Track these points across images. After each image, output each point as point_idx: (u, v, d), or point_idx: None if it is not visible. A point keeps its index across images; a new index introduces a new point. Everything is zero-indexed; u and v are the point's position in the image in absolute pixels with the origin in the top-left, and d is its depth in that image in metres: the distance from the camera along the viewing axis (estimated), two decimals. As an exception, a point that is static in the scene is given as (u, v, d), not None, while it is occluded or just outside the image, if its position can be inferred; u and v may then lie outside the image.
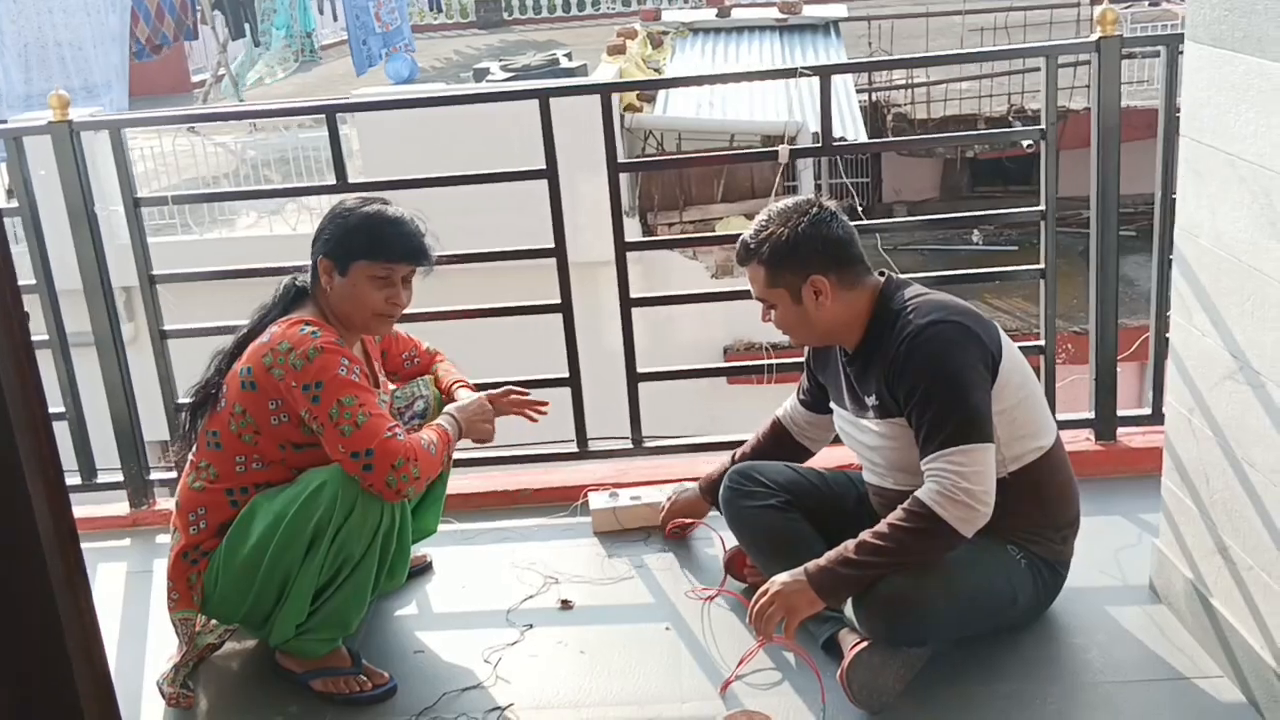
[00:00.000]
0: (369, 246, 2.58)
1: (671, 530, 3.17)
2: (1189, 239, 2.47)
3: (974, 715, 2.39)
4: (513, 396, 2.96)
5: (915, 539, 2.38)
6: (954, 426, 2.38)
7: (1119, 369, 3.45)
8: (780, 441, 2.97)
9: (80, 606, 1.09)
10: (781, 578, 2.44)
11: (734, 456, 3.01)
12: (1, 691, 1.07)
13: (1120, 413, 3.42)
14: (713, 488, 2.98)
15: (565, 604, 2.92)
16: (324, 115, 3.49)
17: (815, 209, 2.55)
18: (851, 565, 2.40)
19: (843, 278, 2.54)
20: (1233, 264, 2.28)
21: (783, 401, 3.03)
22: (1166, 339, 2.81)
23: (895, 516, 2.41)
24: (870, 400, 2.57)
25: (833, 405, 2.78)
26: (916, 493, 2.40)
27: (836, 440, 3.07)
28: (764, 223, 2.57)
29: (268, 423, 2.52)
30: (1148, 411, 3.42)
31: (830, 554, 2.44)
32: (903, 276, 2.66)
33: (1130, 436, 3.41)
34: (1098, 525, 2.65)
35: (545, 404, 2.99)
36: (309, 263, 2.67)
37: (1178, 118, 2.51)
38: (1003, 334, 2.54)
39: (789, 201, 2.60)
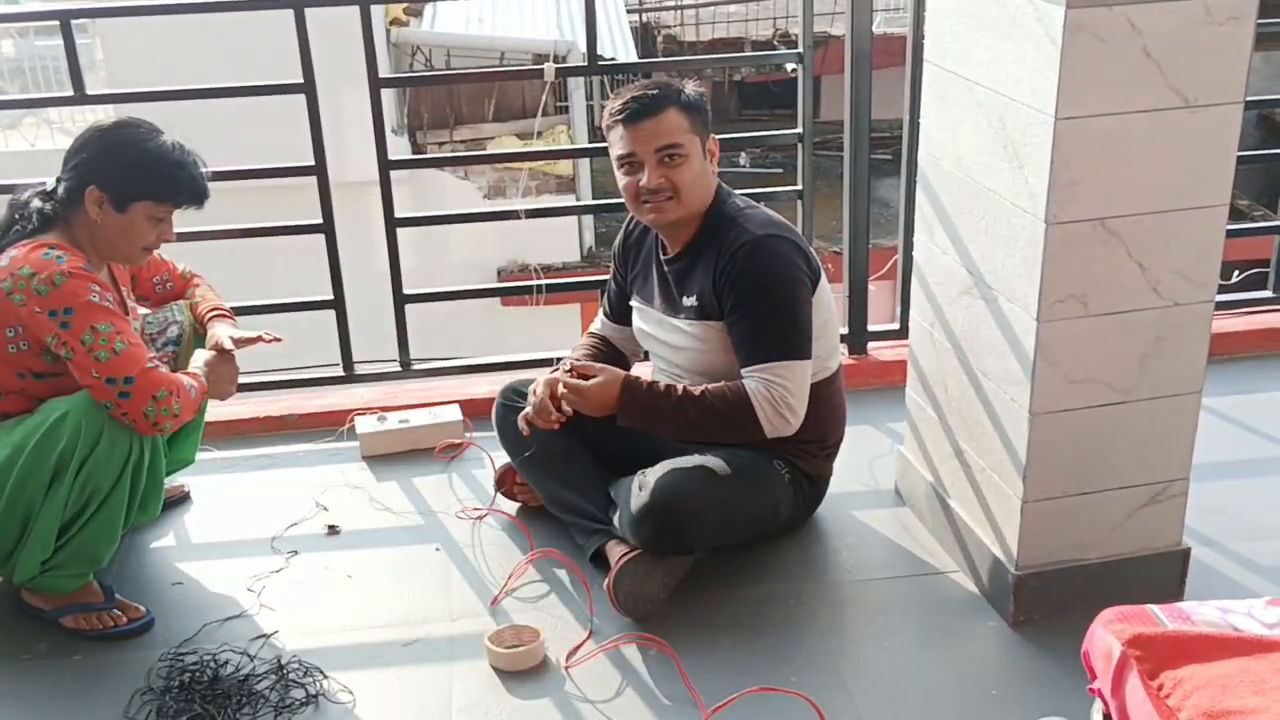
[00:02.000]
0: (156, 189, 2.45)
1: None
2: (932, 161, 2.59)
3: (732, 616, 2.50)
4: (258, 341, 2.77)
5: (723, 421, 2.48)
6: (783, 340, 2.48)
7: (877, 287, 3.62)
8: (607, 350, 2.88)
9: None
10: (598, 381, 2.51)
11: (568, 361, 2.77)
12: None
13: (871, 328, 3.59)
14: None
15: (332, 529, 2.88)
16: (58, 22, 3.24)
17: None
18: (662, 401, 2.49)
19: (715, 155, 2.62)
20: (970, 185, 2.42)
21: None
22: (913, 257, 2.96)
23: (716, 391, 2.49)
24: (688, 301, 2.60)
25: (635, 304, 2.79)
26: (747, 386, 2.48)
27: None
28: (659, 79, 2.60)
29: (4, 350, 2.37)
30: (896, 326, 3.60)
31: (648, 388, 2.51)
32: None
33: (880, 350, 3.59)
34: (849, 434, 2.79)
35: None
36: (48, 181, 2.50)
37: (925, 45, 2.62)
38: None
39: (661, 77, 2.66)
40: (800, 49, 3.38)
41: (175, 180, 2.47)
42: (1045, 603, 2.42)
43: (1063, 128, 2.09)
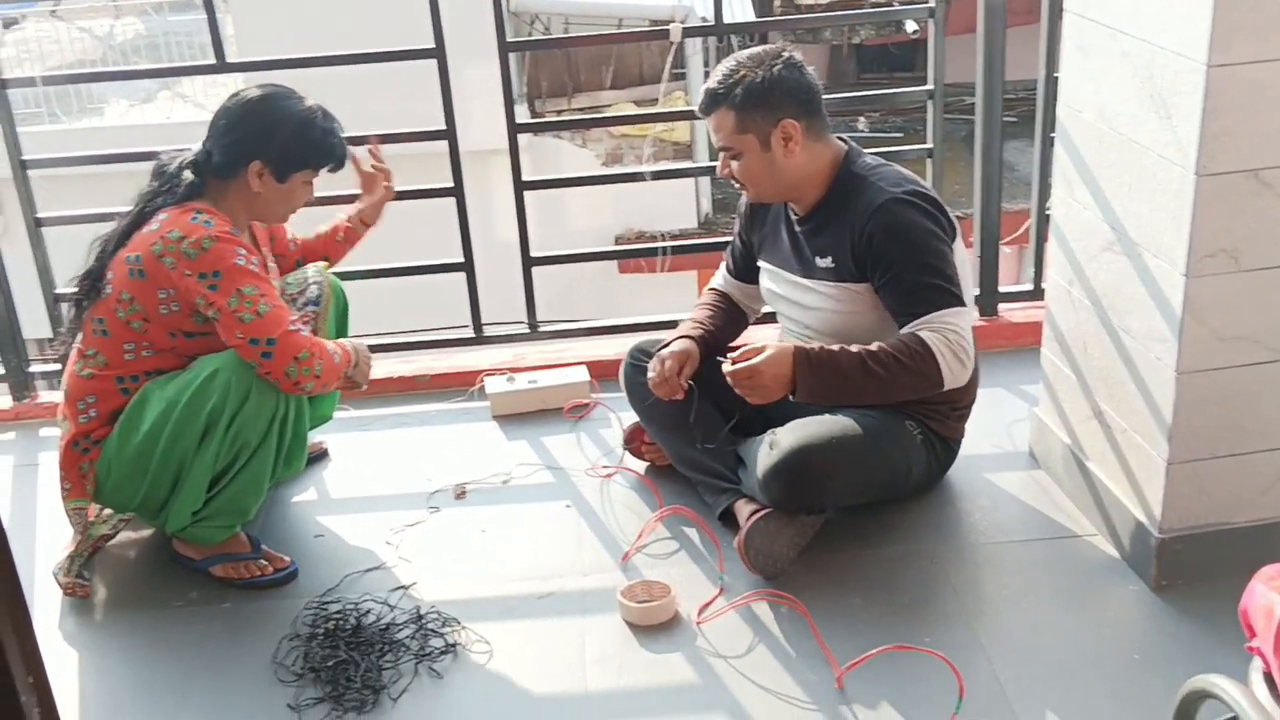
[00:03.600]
0: (315, 158, 2.57)
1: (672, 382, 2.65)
2: (1072, 115, 2.52)
3: (863, 576, 2.48)
4: None
5: (907, 374, 2.39)
6: (943, 290, 2.44)
7: (1001, 252, 3.54)
8: (728, 307, 2.89)
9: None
10: (769, 355, 2.37)
11: (690, 321, 2.83)
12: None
13: (1001, 289, 3.52)
14: (701, 333, 2.77)
15: (462, 489, 2.93)
16: (199, -8, 3.35)
17: (787, 54, 2.55)
18: (844, 359, 2.39)
19: (811, 126, 2.54)
20: (1114, 137, 2.34)
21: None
22: (1047, 217, 2.88)
23: (893, 345, 2.40)
24: (823, 262, 2.58)
25: (764, 264, 2.77)
26: (919, 334, 2.40)
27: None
28: (733, 67, 2.52)
29: (156, 311, 2.46)
30: (1028, 288, 3.52)
31: (821, 351, 2.40)
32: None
33: (1011, 312, 3.52)
34: (980, 396, 2.74)
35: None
36: (191, 147, 2.57)
37: (1061, -4, 2.55)
38: None
39: (757, 48, 2.59)
40: (932, 3, 3.32)
41: (331, 147, 2.58)
42: (1190, 567, 2.36)
43: (1214, 75, 2.02)
